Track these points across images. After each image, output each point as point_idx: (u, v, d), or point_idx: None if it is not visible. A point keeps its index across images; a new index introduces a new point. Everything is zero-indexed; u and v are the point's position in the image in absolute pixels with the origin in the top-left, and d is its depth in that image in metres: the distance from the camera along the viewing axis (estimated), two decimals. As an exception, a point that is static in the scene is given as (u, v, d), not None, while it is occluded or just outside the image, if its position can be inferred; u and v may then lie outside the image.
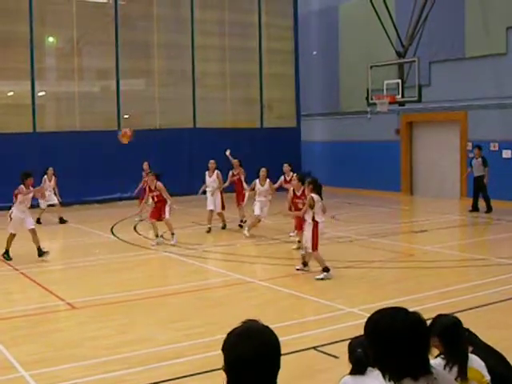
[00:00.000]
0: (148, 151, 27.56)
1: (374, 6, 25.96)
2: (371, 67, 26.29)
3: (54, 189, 22.50)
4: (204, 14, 30.34)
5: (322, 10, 33.54)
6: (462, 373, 4.67)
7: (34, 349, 9.19)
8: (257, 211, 18.70)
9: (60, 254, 17.05)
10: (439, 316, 5.34)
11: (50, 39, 28.43)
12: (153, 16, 29.07)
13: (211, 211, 20.01)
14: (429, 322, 5.16)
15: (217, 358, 8.47)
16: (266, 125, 32.20)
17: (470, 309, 10.62)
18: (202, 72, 30.18)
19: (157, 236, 17.80)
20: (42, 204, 21.99)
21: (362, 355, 4.71)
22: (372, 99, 26.21)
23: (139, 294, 12.24)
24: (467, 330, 5.61)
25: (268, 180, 19.07)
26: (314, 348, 8.82)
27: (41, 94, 27.44)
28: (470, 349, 5.31)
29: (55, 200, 22.40)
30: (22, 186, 15.78)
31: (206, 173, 20.57)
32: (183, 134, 29.12)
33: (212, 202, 20.06)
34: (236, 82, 31.25)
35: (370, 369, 4.53)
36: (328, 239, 18.09)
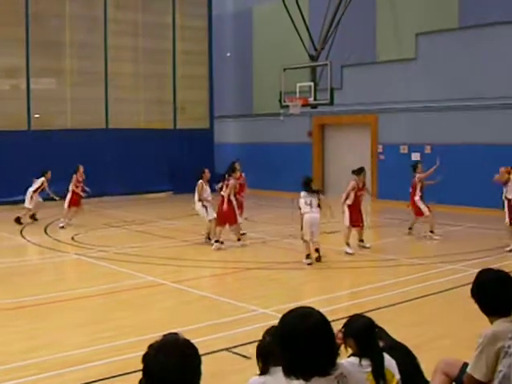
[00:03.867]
0: (59, 152, 27.13)
1: (287, 9, 26.18)
2: (284, 70, 26.49)
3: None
4: (117, 14, 30.01)
5: (236, 12, 33.66)
6: (379, 375, 4.73)
7: None
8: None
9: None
10: (354, 317, 5.38)
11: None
12: (65, 14, 28.59)
13: None
14: (342, 322, 5.23)
15: (128, 361, 8.38)
16: (179, 126, 32.11)
17: (381, 308, 10.80)
18: (115, 72, 29.84)
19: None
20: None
21: (266, 344, 4.79)
22: (285, 101, 26.41)
23: (49, 298, 12.00)
24: (377, 326, 5.70)
25: None
26: (227, 349, 8.82)
27: None
28: (381, 344, 5.40)
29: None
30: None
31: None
32: (95, 135, 28.72)
33: None
34: (149, 82, 31.03)
35: (274, 369, 4.56)
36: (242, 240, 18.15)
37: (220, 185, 17.79)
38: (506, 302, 4.89)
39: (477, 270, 5.40)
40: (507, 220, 16.32)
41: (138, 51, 30.75)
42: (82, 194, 21.66)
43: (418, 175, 18.77)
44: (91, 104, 29.21)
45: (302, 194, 15.09)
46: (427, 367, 5.99)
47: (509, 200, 16.35)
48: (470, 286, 5.22)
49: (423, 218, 18.58)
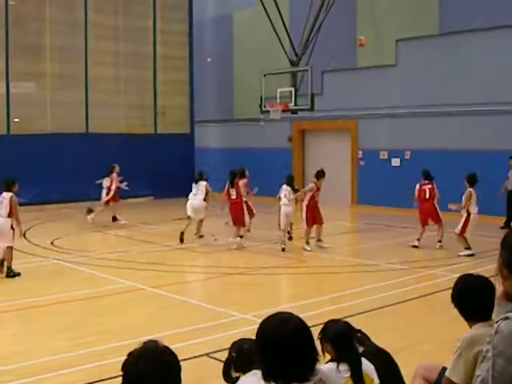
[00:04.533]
0: (39, 156, 26.99)
1: (268, 15, 26.21)
2: (265, 75, 26.51)
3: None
4: (98, 18, 29.86)
5: (216, 17, 33.69)
6: (358, 379, 4.75)
7: None
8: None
9: None
10: (331, 322, 5.42)
11: None
12: (45, 18, 28.43)
13: None
14: (321, 328, 5.25)
15: (109, 366, 8.33)
16: (159, 131, 32.04)
17: (362, 313, 10.83)
18: (96, 76, 29.71)
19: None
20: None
21: (231, 360, 4.79)
22: (265, 107, 26.41)
23: (29, 303, 11.92)
24: (359, 330, 5.73)
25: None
26: (207, 355, 8.82)
27: None
28: (361, 349, 5.42)
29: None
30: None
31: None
32: (75, 139, 28.58)
33: None
34: (130, 87, 30.92)
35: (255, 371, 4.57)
36: (219, 246, 18.15)
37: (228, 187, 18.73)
38: (486, 308, 4.92)
39: (457, 275, 5.44)
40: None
41: (119, 55, 30.64)
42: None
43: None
44: (71, 108, 29.05)
45: (284, 187, 17.69)
46: (408, 372, 6.01)
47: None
48: (451, 291, 5.25)
49: (439, 225, 18.16)
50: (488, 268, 13.70)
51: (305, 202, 17.94)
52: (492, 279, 4.62)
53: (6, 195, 14.32)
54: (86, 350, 9.08)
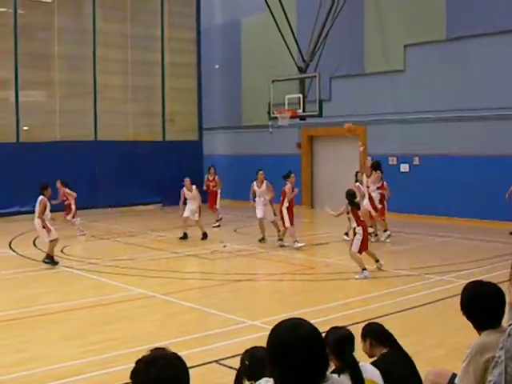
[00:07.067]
0: (48, 164, 27.02)
1: (275, 21, 26.22)
2: (273, 81, 26.52)
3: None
4: (106, 26, 29.96)
5: (224, 24, 33.74)
6: None
7: None
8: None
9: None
10: (332, 329, 5.43)
11: None
12: (54, 26, 28.53)
13: (262, 219, 20.48)
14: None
15: (118, 374, 8.32)
16: (168, 138, 32.06)
17: (372, 319, 10.77)
18: (104, 84, 29.78)
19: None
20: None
21: (244, 368, 4.78)
22: (273, 113, 26.41)
23: (37, 311, 11.94)
24: (387, 331, 5.83)
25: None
26: (216, 361, 8.79)
27: None
28: (385, 350, 5.45)
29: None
30: None
31: (254, 183, 21.32)
32: (84, 147, 28.64)
33: (263, 211, 20.55)
34: (138, 94, 30.97)
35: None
36: (230, 252, 18.15)
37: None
38: (496, 315, 4.85)
39: (465, 282, 5.39)
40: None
41: (127, 63, 30.70)
42: None
43: None
44: (80, 116, 29.12)
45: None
46: (418, 378, 5.99)
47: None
48: (460, 298, 5.19)
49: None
50: (496, 274, 13.64)
51: (286, 204, 19.14)
52: (501, 285, 4.59)
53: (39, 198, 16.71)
54: (95, 357, 9.07)
